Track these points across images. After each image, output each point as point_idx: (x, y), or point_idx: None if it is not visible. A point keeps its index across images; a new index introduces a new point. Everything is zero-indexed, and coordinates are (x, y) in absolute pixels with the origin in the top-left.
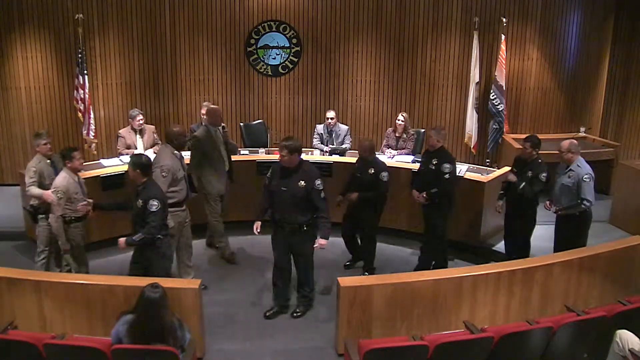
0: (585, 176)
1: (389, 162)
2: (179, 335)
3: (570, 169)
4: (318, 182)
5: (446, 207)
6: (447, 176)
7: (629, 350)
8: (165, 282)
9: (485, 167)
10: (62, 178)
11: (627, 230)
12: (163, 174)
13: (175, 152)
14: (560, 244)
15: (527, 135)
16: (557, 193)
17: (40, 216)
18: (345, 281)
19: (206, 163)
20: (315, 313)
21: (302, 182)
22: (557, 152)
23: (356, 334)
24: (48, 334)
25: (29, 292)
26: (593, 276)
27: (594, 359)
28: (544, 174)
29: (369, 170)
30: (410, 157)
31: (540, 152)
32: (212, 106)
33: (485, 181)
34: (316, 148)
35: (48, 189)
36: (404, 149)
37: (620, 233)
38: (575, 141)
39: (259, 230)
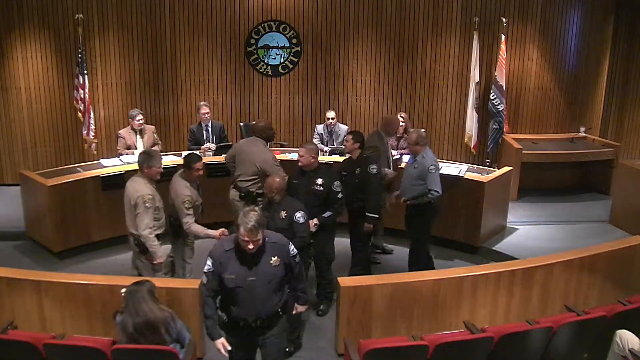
0: (431, 167)
1: None
2: (172, 327)
3: (416, 160)
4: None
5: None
6: (339, 195)
7: (629, 350)
8: (165, 282)
9: (485, 167)
10: (185, 187)
11: (627, 230)
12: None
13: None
14: (410, 231)
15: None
16: (403, 184)
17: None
18: (345, 281)
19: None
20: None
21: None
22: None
23: (356, 334)
24: (48, 334)
25: (29, 292)
26: (593, 276)
27: (594, 359)
28: (373, 166)
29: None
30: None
31: (540, 152)
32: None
33: (485, 181)
34: None
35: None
36: (404, 149)
37: (620, 233)
38: (423, 133)
39: None
